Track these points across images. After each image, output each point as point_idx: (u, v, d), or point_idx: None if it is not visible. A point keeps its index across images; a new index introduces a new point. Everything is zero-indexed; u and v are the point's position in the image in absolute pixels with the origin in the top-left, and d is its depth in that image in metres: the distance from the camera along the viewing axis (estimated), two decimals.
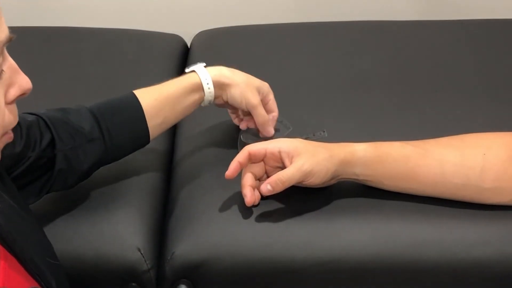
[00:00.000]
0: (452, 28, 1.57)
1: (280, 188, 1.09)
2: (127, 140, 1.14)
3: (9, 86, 0.79)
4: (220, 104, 1.23)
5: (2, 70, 0.77)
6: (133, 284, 1.10)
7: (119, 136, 1.12)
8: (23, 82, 0.79)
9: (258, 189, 1.11)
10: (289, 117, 1.29)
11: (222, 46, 1.57)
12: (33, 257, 0.88)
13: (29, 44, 1.55)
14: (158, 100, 1.15)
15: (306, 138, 1.16)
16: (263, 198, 1.13)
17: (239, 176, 1.11)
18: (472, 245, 1.09)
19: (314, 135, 1.20)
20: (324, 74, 1.45)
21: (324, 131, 1.22)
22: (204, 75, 1.17)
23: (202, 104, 1.20)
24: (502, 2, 1.76)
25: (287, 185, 1.08)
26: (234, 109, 1.26)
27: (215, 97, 1.19)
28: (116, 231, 1.12)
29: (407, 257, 1.09)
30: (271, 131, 1.23)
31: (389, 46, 1.52)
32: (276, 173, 1.10)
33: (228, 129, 1.30)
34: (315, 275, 1.10)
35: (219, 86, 1.18)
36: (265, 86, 1.23)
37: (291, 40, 1.56)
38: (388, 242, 1.10)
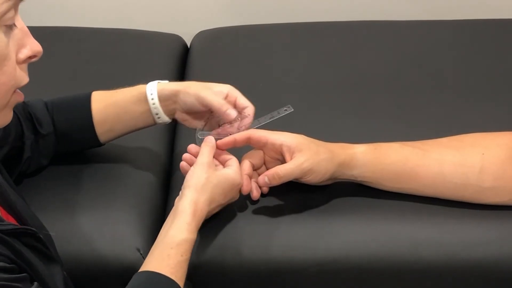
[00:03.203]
0: (452, 28, 1.57)
1: (277, 182, 1.08)
2: (75, 138, 1.17)
3: (21, 46, 0.84)
4: (184, 119, 1.16)
5: (14, 24, 0.82)
6: None
7: (66, 132, 1.16)
8: (34, 44, 0.85)
9: (257, 181, 1.11)
10: (288, 117, 1.28)
11: (222, 46, 1.57)
12: (28, 219, 0.95)
13: None
14: (105, 106, 1.15)
15: (271, 118, 1.14)
16: (263, 195, 1.14)
17: None
18: (471, 245, 1.09)
19: (278, 113, 1.15)
20: (324, 74, 1.44)
21: (288, 107, 1.16)
22: (151, 86, 1.13)
23: (160, 121, 1.15)
24: (502, 2, 1.75)
25: (284, 180, 1.08)
26: (199, 117, 1.16)
27: (170, 111, 1.14)
28: (116, 232, 1.12)
29: (406, 257, 1.09)
30: (231, 114, 1.10)
31: (389, 46, 1.52)
32: (274, 165, 1.10)
33: None
34: (315, 275, 1.10)
35: (168, 97, 1.13)
36: (223, 86, 1.14)
37: (291, 40, 1.56)
38: (388, 242, 1.10)
